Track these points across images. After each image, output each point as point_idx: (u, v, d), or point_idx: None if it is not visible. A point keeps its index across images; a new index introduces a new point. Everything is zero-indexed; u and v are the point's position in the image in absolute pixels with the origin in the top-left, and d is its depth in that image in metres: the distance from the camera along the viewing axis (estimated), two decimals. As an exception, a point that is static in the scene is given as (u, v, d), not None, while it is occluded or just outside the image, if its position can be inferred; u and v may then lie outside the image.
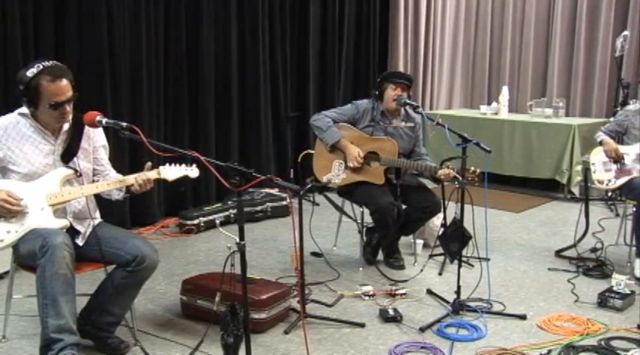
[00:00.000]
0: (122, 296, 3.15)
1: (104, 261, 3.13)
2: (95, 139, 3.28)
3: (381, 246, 4.68)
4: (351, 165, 4.44)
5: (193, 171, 3.21)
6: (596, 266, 4.60)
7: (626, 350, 3.31)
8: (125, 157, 5.28)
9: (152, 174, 3.13)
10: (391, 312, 3.72)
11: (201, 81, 5.97)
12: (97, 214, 3.34)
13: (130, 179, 3.11)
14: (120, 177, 3.20)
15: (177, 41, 5.77)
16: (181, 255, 4.88)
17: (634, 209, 4.51)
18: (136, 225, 5.47)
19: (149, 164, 3.16)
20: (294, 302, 3.78)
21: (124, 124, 2.90)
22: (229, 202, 5.72)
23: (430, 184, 4.75)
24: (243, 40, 6.31)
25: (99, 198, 3.31)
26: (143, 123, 5.38)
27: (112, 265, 3.16)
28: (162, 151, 2.87)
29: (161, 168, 3.16)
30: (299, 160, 4.55)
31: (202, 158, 2.70)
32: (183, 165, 3.20)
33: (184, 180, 3.23)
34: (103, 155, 3.34)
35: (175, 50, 5.77)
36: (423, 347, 3.37)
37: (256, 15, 6.35)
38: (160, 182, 3.23)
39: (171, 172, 3.17)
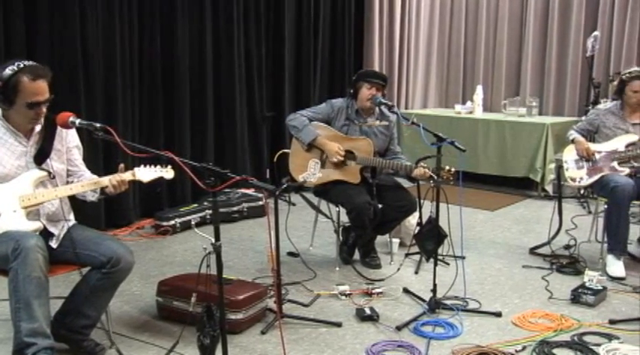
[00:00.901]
0: (97, 298, 3.13)
1: (79, 263, 3.10)
2: (68, 140, 3.25)
3: (358, 246, 4.70)
4: (334, 160, 4.44)
5: (168, 173, 3.19)
6: (569, 263, 4.66)
7: (598, 345, 3.36)
8: (99, 158, 5.23)
9: (127, 176, 3.11)
10: (368, 311, 3.73)
11: (176, 81, 5.94)
12: (71, 216, 3.31)
13: (105, 180, 3.08)
14: (95, 178, 3.18)
15: (152, 41, 5.73)
16: (157, 257, 4.85)
17: (605, 206, 4.57)
18: (111, 226, 5.43)
19: (122, 166, 3.13)
20: (270, 303, 3.77)
21: (98, 125, 2.87)
22: (205, 203, 5.70)
23: (406, 183, 4.77)
24: (218, 40, 6.29)
25: (73, 200, 3.28)
26: (118, 123, 5.34)
27: (87, 267, 3.12)
28: (137, 152, 2.85)
29: (136, 169, 3.14)
30: (275, 160, 4.54)
31: (177, 159, 2.68)
32: (158, 167, 3.18)
33: (160, 181, 3.21)
34: (77, 156, 3.31)
35: (150, 50, 5.73)
36: (399, 346, 3.38)
37: (231, 15, 6.33)
38: (135, 183, 3.21)
39: (146, 173, 3.15)
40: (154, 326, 3.62)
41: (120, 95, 5.44)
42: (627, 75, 4.62)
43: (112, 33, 5.34)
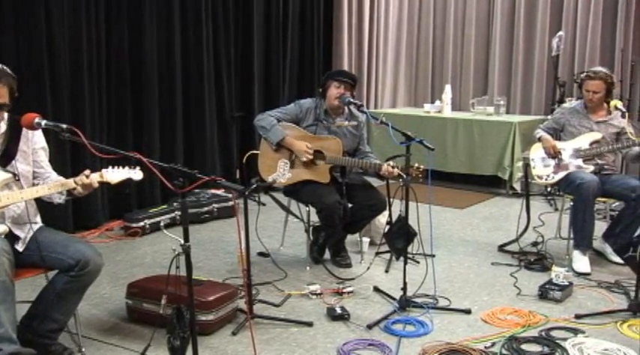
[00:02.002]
0: (65, 301, 3.08)
1: (45, 267, 3.06)
2: (34, 141, 3.20)
3: (328, 245, 4.71)
4: (304, 159, 4.44)
5: (137, 174, 3.16)
6: (537, 260, 4.72)
7: (565, 339, 3.42)
8: (67, 159, 5.16)
9: (95, 177, 3.07)
10: (339, 310, 3.74)
11: (145, 81, 5.89)
12: (38, 218, 3.26)
13: (72, 182, 3.04)
14: (61, 179, 3.13)
15: (120, 41, 5.67)
16: (126, 258, 4.81)
17: (571, 203, 4.64)
18: (79, 228, 5.36)
19: (87, 171, 3.08)
20: (241, 303, 3.76)
21: (64, 126, 2.83)
22: (175, 204, 5.66)
23: (376, 182, 4.79)
24: (187, 40, 6.26)
25: (40, 202, 3.23)
26: (85, 124, 5.28)
27: (54, 270, 3.08)
28: (105, 153, 2.82)
29: (104, 170, 3.11)
30: (244, 161, 4.53)
31: (145, 160, 2.66)
32: (127, 168, 3.15)
33: (128, 182, 3.18)
34: (43, 157, 3.26)
35: (117, 49, 5.66)
36: (370, 344, 3.40)
37: (199, 14, 6.29)
38: (104, 184, 3.17)
39: (115, 175, 3.12)
40: (124, 329, 3.59)
41: (87, 96, 5.37)
42: (583, 75, 4.72)
43: (79, 33, 5.27)
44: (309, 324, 3.63)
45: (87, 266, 3.00)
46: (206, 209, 5.84)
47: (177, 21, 6.09)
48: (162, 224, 5.48)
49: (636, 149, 4.56)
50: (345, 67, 7.93)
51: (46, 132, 3.14)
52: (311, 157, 4.45)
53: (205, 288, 3.60)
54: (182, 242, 2.67)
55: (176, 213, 5.61)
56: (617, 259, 4.63)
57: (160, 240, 5.23)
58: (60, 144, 4.65)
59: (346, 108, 4.63)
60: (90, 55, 5.39)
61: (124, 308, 3.73)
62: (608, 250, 4.79)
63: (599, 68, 4.79)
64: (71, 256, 3.00)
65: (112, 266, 4.57)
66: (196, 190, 5.89)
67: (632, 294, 3.81)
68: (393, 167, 4.15)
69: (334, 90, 4.51)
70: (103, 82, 5.57)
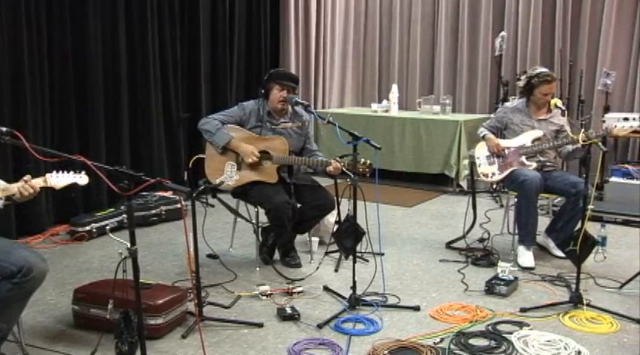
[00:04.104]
0: (8, 309, 3.00)
1: (-13, 274, 2.98)
2: (-27, 146, 3.11)
3: (277, 245, 4.71)
4: (249, 160, 4.43)
5: (82, 178, 3.10)
6: (483, 256, 4.81)
7: (511, 333, 3.50)
8: (8, 163, 5.04)
9: (38, 182, 3.00)
10: (289, 310, 3.75)
11: (89, 83, 5.78)
12: (-22, 225, 3.18)
13: (13, 188, 2.96)
14: (2, 184, 3.06)
15: (62, 41, 5.55)
16: (73, 263, 4.72)
17: (515, 199, 4.75)
18: (23, 234, 5.23)
19: (28, 177, 3.01)
20: (191, 306, 3.73)
21: (4, 129, 2.77)
22: (122, 207, 5.58)
23: (324, 182, 4.81)
24: (132, 39, 6.17)
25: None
26: (27, 128, 5.15)
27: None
28: (48, 157, 2.77)
29: (48, 175, 3.04)
30: (190, 166, 4.49)
31: (89, 163, 2.62)
32: (72, 172, 3.09)
33: (74, 186, 3.12)
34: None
35: (60, 50, 5.54)
36: (321, 344, 3.41)
37: (144, 13, 6.22)
38: (49, 189, 3.10)
39: (59, 180, 3.05)
40: (71, 336, 3.52)
41: (29, 98, 5.25)
42: (536, 78, 4.77)
43: (19, 34, 5.14)
44: (260, 325, 3.63)
45: (30, 273, 2.93)
46: (154, 211, 5.78)
47: (121, 20, 6.00)
48: (108, 227, 5.39)
49: (569, 147, 4.69)
50: (293, 67, 7.95)
51: (-14, 136, 3.06)
52: (257, 160, 4.44)
53: (154, 291, 3.56)
54: (128, 245, 2.64)
55: (123, 216, 5.52)
56: (560, 253, 4.76)
57: (107, 244, 5.14)
58: (1, 148, 4.53)
59: (290, 109, 4.64)
60: (31, 56, 5.26)
61: (71, 315, 3.65)
62: (551, 245, 4.92)
63: (546, 69, 4.87)
64: (14, 262, 2.92)
65: (58, 271, 4.48)
66: (144, 193, 5.82)
67: (573, 287, 3.92)
68: (339, 162, 4.16)
69: (277, 93, 4.51)
70: (46, 83, 5.44)
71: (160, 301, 3.47)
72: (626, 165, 6.50)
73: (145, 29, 6.24)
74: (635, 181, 6.27)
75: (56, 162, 2.84)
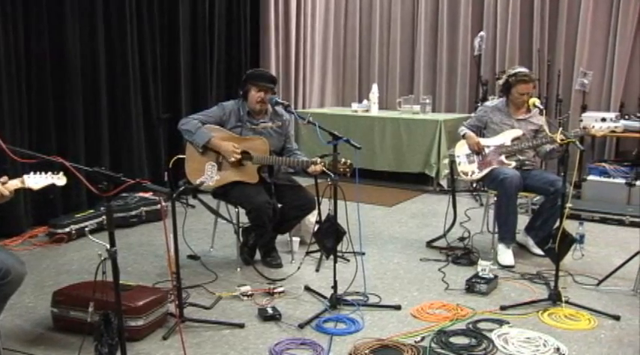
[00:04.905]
0: (-15, 312, 2.99)
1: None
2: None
3: (258, 246, 4.70)
4: (232, 159, 4.42)
5: (60, 179, 3.06)
6: (463, 255, 4.84)
7: (491, 331, 3.53)
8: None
9: (14, 184, 2.97)
10: (270, 311, 3.75)
11: (68, 82, 5.73)
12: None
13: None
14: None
15: (40, 41, 5.49)
16: (52, 266, 4.68)
17: (495, 198, 4.78)
18: (0, 236, 5.17)
19: (4, 178, 2.98)
20: (172, 307, 3.71)
21: (-19, 131, 2.75)
22: (102, 208, 5.53)
23: (305, 182, 4.81)
24: (111, 39, 6.12)
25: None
26: (5, 129, 5.10)
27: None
28: (25, 158, 2.74)
29: (25, 177, 3.00)
30: (170, 166, 4.47)
31: (68, 164, 2.61)
32: (50, 173, 3.06)
33: (52, 187, 3.09)
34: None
35: (37, 50, 5.48)
36: (302, 344, 3.41)
37: (123, 13, 6.17)
38: (26, 190, 3.07)
39: (37, 181, 3.02)
40: (50, 339, 3.49)
41: (6, 99, 5.19)
42: (513, 78, 4.80)
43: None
44: (241, 326, 3.62)
45: (8, 276, 2.90)
46: (134, 212, 5.75)
47: (100, 19, 5.96)
48: (87, 229, 5.35)
49: (547, 146, 4.73)
50: (273, 67, 7.94)
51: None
52: (239, 157, 4.44)
53: (134, 293, 3.54)
54: (108, 247, 2.62)
55: (103, 217, 5.48)
56: (539, 251, 4.80)
57: (87, 246, 5.10)
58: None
59: (270, 108, 4.64)
60: (8, 57, 5.20)
61: (50, 318, 3.62)
62: (530, 243, 4.96)
63: (524, 69, 4.90)
64: (-9, 265, 2.90)
65: (37, 274, 4.44)
66: (124, 194, 5.79)
67: (552, 284, 3.96)
68: (319, 163, 4.17)
69: (255, 94, 4.51)
70: (23, 84, 5.38)
71: (141, 303, 3.45)
72: (603, 164, 6.59)
73: (124, 29, 6.19)
74: (612, 179, 6.35)
75: (34, 163, 2.81)
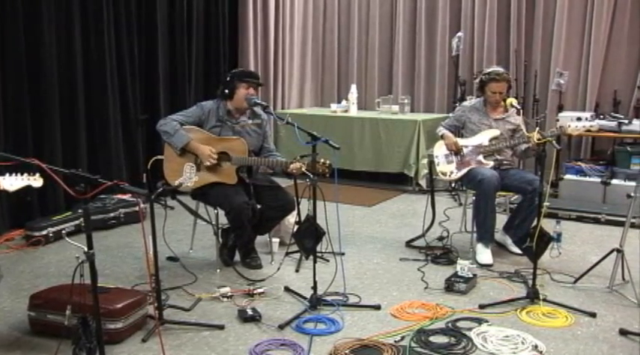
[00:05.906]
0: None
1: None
2: None
3: (238, 247, 4.69)
4: (208, 163, 4.41)
5: (37, 181, 3.04)
6: (442, 254, 4.87)
7: (470, 329, 3.55)
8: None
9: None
10: (250, 312, 3.74)
11: (44, 84, 5.66)
12: None
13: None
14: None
15: (15, 41, 5.42)
16: (29, 269, 4.63)
17: (474, 198, 4.81)
18: (-25, 240, 5.13)
19: None
20: (151, 309, 3.70)
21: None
22: (79, 210, 5.49)
23: (284, 182, 4.81)
24: (88, 39, 6.07)
25: None
26: (-21, 131, 5.05)
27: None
28: (2, 160, 2.71)
29: (0, 178, 2.98)
30: (149, 167, 4.45)
31: (44, 165, 2.58)
32: (26, 175, 3.03)
33: (28, 189, 3.06)
34: None
35: (13, 51, 5.41)
36: (282, 344, 3.41)
37: (100, 13, 6.12)
38: (2, 193, 3.04)
39: (12, 182, 2.99)
40: (27, 343, 3.45)
41: (-20, 101, 5.14)
42: (486, 76, 4.85)
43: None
44: (221, 327, 3.61)
45: (-16, 279, 2.88)
46: (112, 214, 5.71)
47: (76, 20, 5.90)
48: (64, 231, 5.30)
49: (523, 145, 4.77)
50: (252, 67, 7.92)
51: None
52: (215, 162, 4.43)
53: (113, 296, 3.52)
54: (86, 249, 2.60)
55: (81, 219, 5.44)
56: (517, 250, 4.85)
57: (64, 249, 5.05)
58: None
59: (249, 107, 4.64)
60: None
61: (27, 321, 3.58)
62: (509, 241, 5.00)
63: (499, 68, 4.93)
64: (-34, 269, 2.87)
65: (14, 277, 4.39)
66: (102, 195, 5.74)
67: (530, 283, 4.00)
68: (298, 163, 4.18)
69: (243, 91, 4.52)
70: (-2, 85, 5.33)
71: (119, 305, 3.43)
72: (580, 163, 6.66)
73: (101, 29, 6.14)
74: (588, 178, 6.43)
75: (10, 165, 2.78)
